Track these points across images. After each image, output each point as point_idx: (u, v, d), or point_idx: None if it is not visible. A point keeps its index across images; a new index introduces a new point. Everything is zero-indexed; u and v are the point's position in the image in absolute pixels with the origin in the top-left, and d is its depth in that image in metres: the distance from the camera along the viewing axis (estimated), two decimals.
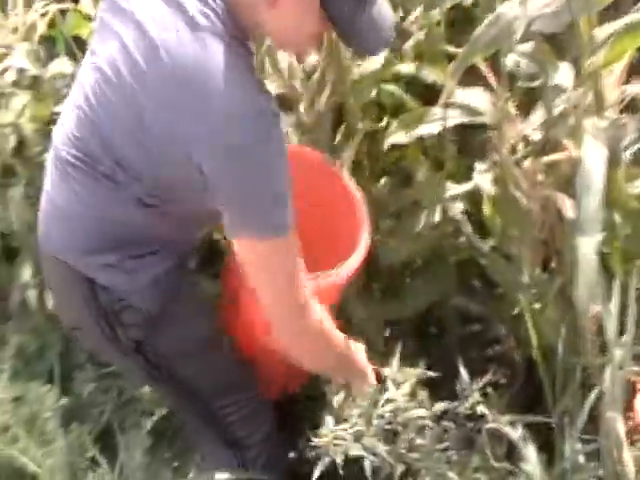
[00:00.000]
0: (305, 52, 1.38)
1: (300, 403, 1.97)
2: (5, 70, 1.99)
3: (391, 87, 1.58)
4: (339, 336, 1.43)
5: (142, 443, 1.92)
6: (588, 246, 1.21)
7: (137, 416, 2.03)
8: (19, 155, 2.16)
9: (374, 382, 1.48)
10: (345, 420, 1.34)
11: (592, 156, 1.22)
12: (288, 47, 1.36)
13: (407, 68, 1.56)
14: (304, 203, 1.58)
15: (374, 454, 1.32)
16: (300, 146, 1.62)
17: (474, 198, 1.60)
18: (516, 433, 1.34)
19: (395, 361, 1.43)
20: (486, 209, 1.55)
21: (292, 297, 1.28)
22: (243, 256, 1.24)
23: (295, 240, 1.25)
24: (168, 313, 1.39)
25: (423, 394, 1.43)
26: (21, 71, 2.05)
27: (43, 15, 1.98)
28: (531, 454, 1.32)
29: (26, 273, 2.31)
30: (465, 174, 1.61)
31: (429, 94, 1.61)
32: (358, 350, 1.50)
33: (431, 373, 1.45)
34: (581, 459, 1.34)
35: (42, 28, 1.96)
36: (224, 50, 1.16)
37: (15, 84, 2.05)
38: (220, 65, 1.15)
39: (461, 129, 1.58)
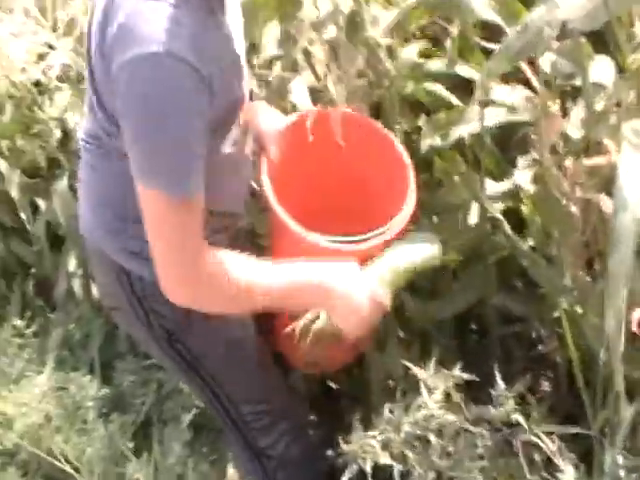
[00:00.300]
0: None
1: (340, 401, 1.97)
2: (49, 67, 2.02)
3: (429, 84, 1.53)
4: (265, 272, 1.26)
5: (181, 436, 1.95)
6: (621, 263, 1.15)
7: (177, 409, 2.05)
8: (64, 148, 2.20)
9: (368, 310, 1.30)
10: (375, 426, 1.32)
11: (630, 166, 1.16)
12: None
13: (441, 64, 1.51)
14: (352, 167, 1.54)
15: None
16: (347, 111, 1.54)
17: (513, 195, 1.55)
18: (553, 444, 1.30)
19: (431, 364, 1.39)
20: (525, 208, 1.51)
21: (182, 258, 1.20)
22: (142, 207, 1.19)
23: (195, 206, 1.18)
24: (198, 312, 1.38)
25: (458, 398, 1.40)
26: (65, 66, 2.07)
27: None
28: (568, 467, 1.28)
29: (71, 262, 2.36)
30: (504, 171, 1.57)
31: (469, 89, 1.57)
32: (338, 273, 1.30)
33: (467, 376, 1.41)
34: (622, 473, 1.29)
35: (82, 24, 1.97)
36: None
37: (59, 79, 2.08)
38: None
39: (499, 125, 1.53)
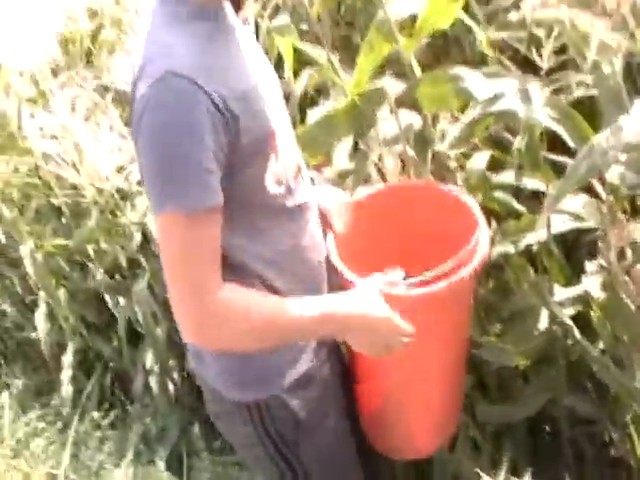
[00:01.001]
0: None
1: None
2: (130, 173, 2.14)
3: (497, 194, 1.59)
4: (270, 307, 1.21)
5: None
6: None
7: None
8: (143, 250, 2.30)
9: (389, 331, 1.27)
10: None
11: None
12: None
13: (508, 175, 1.57)
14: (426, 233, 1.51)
15: None
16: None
17: (583, 300, 1.58)
18: None
19: (502, 472, 1.41)
20: (595, 314, 1.53)
21: (184, 279, 1.14)
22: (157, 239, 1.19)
23: (201, 222, 1.13)
24: (312, 418, 1.37)
25: None
26: None
27: None
28: None
29: (148, 359, 2.44)
30: (572, 275, 1.60)
31: (536, 194, 1.62)
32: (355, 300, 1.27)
33: None
34: None
35: None
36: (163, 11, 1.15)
37: (139, 184, 2.20)
38: (156, 25, 1.15)
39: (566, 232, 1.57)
